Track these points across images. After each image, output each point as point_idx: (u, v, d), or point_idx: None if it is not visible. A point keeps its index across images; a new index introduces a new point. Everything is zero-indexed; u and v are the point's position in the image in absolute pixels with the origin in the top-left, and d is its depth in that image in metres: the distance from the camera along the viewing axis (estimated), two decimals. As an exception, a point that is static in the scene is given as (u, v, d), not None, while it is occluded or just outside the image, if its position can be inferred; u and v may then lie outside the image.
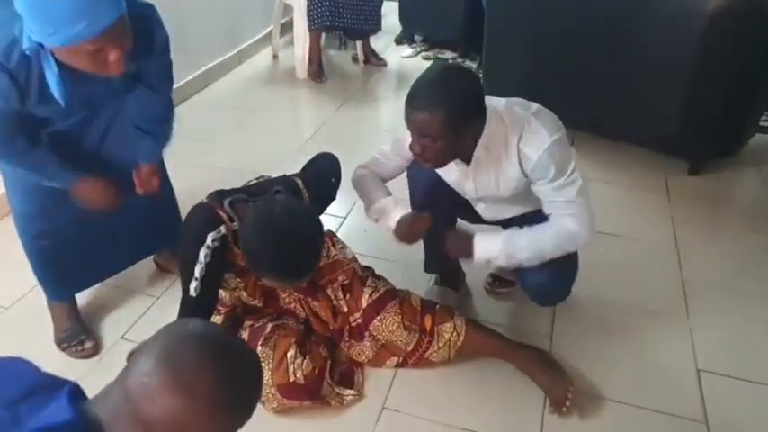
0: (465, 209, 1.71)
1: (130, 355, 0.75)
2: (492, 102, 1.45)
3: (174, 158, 1.94)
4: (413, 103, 1.36)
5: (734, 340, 1.79)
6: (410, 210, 1.58)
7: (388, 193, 1.63)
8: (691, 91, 2.35)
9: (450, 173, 1.56)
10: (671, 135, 2.48)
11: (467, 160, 1.48)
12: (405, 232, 1.55)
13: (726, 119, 2.45)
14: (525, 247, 1.46)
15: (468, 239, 1.50)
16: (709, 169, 2.61)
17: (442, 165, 1.47)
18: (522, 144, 1.42)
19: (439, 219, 1.66)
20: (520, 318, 1.84)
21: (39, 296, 1.81)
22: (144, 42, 1.34)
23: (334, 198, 1.74)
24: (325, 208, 1.71)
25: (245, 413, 0.77)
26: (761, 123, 2.78)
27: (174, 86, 1.91)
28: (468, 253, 1.50)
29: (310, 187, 1.60)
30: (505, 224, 1.64)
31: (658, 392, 1.61)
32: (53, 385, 0.75)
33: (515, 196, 1.53)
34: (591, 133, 2.71)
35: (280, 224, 1.32)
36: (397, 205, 1.59)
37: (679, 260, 2.11)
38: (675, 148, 2.59)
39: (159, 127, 1.63)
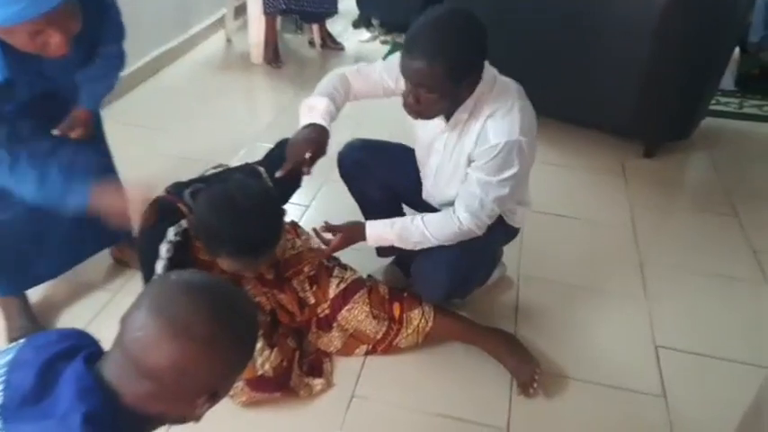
0: (410, 193, 1.71)
1: (123, 319, 0.76)
2: (490, 67, 1.39)
3: (129, 148, 1.85)
4: (411, 49, 1.25)
5: (690, 317, 1.85)
6: (325, 124, 1.43)
7: (333, 100, 1.47)
8: (645, 77, 2.40)
9: (428, 126, 1.48)
10: (627, 120, 2.54)
11: (448, 116, 1.42)
12: (290, 146, 1.43)
13: (679, 104, 2.52)
14: (418, 242, 1.49)
15: (360, 229, 1.51)
16: (663, 152, 2.69)
17: (431, 117, 1.39)
18: (490, 121, 1.36)
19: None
20: (485, 302, 1.86)
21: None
22: (93, 13, 1.26)
23: (299, 185, 1.70)
24: (290, 196, 1.67)
25: (246, 350, 0.80)
26: (711, 107, 2.87)
27: (124, 73, 1.80)
28: (361, 238, 1.52)
29: (273, 174, 1.55)
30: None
31: (619, 370, 1.66)
32: (75, 350, 0.76)
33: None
34: (549, 118, 2.73)
35: (231, 194, 1.29)
36: (319, 113, 1.43)
37: (636, 241, 2.17)
38: (631, 132, 2.66)
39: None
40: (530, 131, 1.39)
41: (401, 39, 3.98)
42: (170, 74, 3.33)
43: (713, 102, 2.92)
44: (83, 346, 0.77)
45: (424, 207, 1.66)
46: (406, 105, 1.35)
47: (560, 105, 2.67)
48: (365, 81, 1.56)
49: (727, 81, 3.19)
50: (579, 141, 2.76)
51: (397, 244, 1.52)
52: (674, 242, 2.19)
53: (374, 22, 4.10)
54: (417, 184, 1.69)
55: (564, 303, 1.89)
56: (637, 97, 2.45)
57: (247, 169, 1.55)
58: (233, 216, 1.27)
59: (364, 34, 4.02)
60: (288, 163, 1.40)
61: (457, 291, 1.65)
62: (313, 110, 1.45)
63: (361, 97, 1.58)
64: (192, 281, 0.78)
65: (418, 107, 1.33)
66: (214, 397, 0.78)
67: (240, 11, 3.79)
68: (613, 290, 1.95)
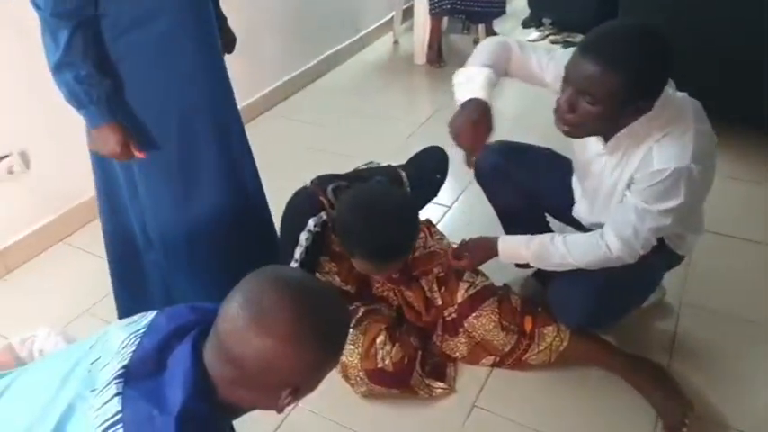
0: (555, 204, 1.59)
1: (222, 305, 0.80)
2: (668, 88, 1.23)
3: (291, 143, 2.00)
4: (588, 51, 1.12)
5: None
6: (486, 99, 1.29)
7: (495, 69, 1.34)
8: None
9: (588, 147, 1.36)
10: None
11: (606, 138, 1.29)
12: (456, 129, 1.28)
13: None
14: (558, 264, 1.39)
15: (490, 246, 1.46)
16: None
17: (579, 135, 1.27)
18: (657, 145, 1.20)
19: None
20: (637, 327, 1.67)
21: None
22: None
23: (436, 195, 1.70)
24: (426, 203, 1.67)
25: (330, 352, 0.81)
26: None
27: (297, 72, 1.97)
28: (493, 254, 1.47)
29: (414, 181, 1.58)
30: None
31: (800, 429, 1.39)
32: (195, 326, 0.82)
33: None
34: (732, 125, 2.38)
35: (373, 201, 1.34)
36: (479, 85, 1.29)
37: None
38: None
39: None
40: (705, 158, 1.20)
41: (573, 38, 3.81)
42: (340, 73, 3.52)
43: None
44: (206, 322, 0.82)
45: (571, 220, 1.55)
46: (558, 112, 1.23)
47: (745, 110, 2.31)
48: (523, 65, 1.40)
49: None
50: (751, 151, 2.37)
51: (533, 263, 1.44)
52: None
53: (545, 21, 3.94)
54: (565, 194, 1.57)
55: (732, 339, 1.63)
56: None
57: (390, 172, 1.59)
58: (370, 221, 1.31)
59: (532, 33, 3.88)
60: (465, 153, 1.32)
61: (597, 321, 1.50)
62: (472, 81, 1.32)
63: (514, 77, 1.44)
64: (284, 278, 0.79)
65: (571, 117, 1.20)
66: (296, 392, 0.79)
67: (408, 13, 3.88)
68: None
